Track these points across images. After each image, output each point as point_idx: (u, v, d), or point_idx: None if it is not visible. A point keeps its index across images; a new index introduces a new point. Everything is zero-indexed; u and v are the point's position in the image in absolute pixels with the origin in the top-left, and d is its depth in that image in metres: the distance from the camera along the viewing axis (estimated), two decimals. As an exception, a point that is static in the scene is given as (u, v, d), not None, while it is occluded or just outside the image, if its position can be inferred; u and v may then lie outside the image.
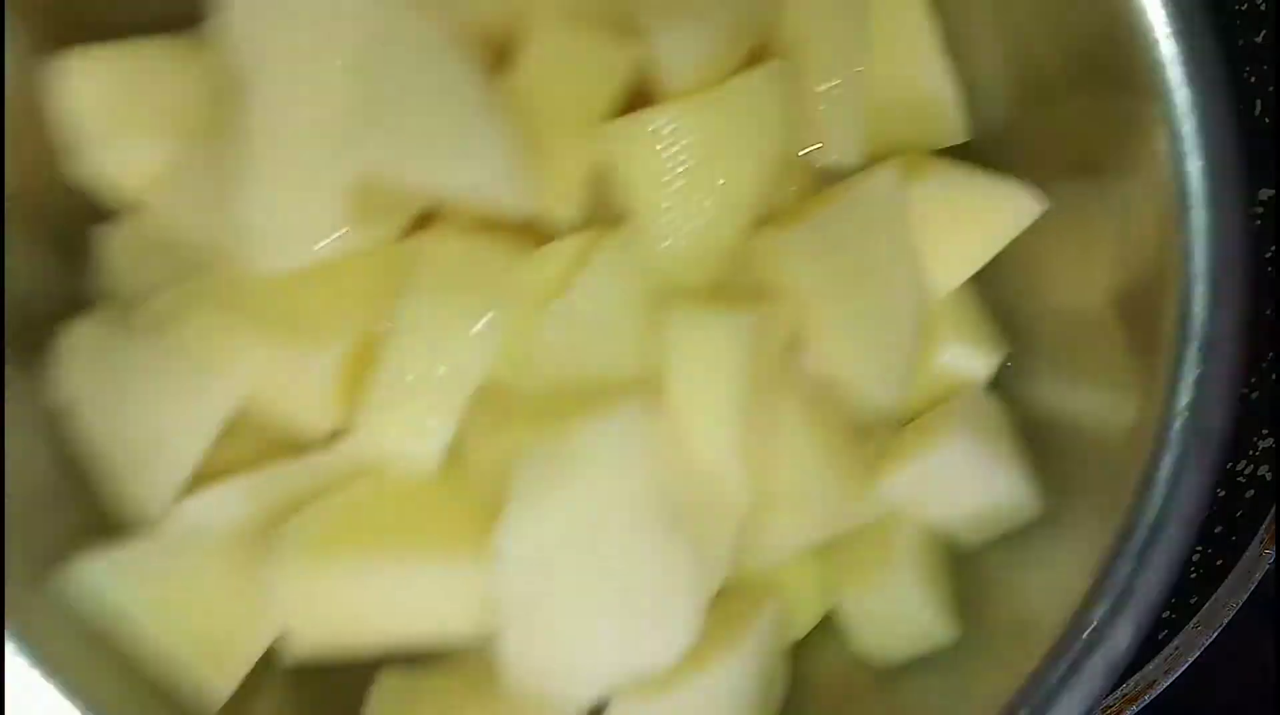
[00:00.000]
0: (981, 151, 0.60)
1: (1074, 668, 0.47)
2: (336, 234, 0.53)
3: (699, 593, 0.55)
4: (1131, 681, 0.85)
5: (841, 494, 0.58)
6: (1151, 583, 0.48)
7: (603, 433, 0.52)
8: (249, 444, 0.56)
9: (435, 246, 0.55)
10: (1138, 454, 0.48)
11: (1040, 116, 0.59)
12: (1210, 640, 0.84)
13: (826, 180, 0.59)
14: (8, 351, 0.52)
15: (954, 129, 0.62)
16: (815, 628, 0.64)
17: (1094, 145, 0.55)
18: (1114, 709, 0.84)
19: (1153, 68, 0.51)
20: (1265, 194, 0.93)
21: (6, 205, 0.42)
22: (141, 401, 0.53)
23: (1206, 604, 0.84)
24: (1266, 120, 0.93)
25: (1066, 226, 0.58)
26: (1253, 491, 0.87)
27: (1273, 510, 0.84)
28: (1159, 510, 0.48)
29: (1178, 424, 0.48)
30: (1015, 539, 0.58)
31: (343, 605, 0.54)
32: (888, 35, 0.59)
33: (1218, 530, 0.88)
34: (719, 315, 0.54)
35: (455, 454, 0.56)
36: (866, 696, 0.60)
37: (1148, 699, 0.84)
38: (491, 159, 0.52)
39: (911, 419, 0.62)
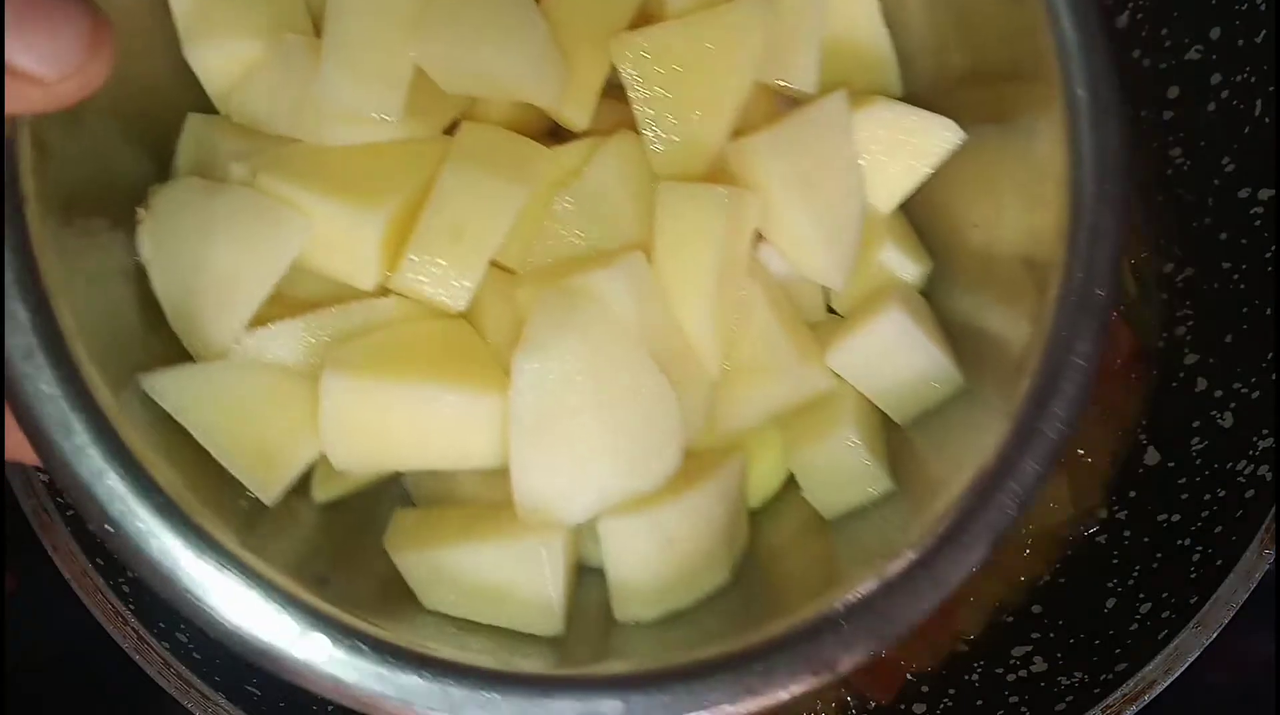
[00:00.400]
0: (911, 102, 0.71)
1: (986, 500, 0.58)
2: (393, 120, 0.64)
3: (680, 434, 0.64)
4: (1131, 681, 0.85)
5: (797, 367, 0.67)
6: (1050, 431, 0.60)
7: (608, 278, 0.61)
8: (309, 294, 0.66)
9: (472, 134, 0.67)
10: (1035, 351, 0.60)
11: (959, 76, 0.70)
12: (1210, 640, 0.84)
13: (783, 107, 0.71)
14: (103, 217, 0.62)
15: (890, 82, 0.73)
16: (773, 504, 0.73)
17: (1003, 102, 0.67)
18: (1114, 709, 0.85)
19: (1053, 49, 0.61)
20: (1265, 194, 0.93)
21: (105, 91, 0.49)
22: (216, 248, 0.62)
23: (1206, 604, 0.85)
24: (1266, 120, 0.93)
25: (979, 167, 0.69)
26: (1253, 491, 0.87)
27: (1273, 510, 0.85)
28: (1051, 392, 0.60)
29: (1061, 338, 0.60)
30: (937, 411, 0.69)
31: (377, 423, 0.62)
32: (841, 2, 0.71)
33: (1218, 530, 0.88)
34: (701, 187, 0.65)
35: (476, 313, 0.66)
36: (811, 541, 0.69)
37: (1148, 699, 0.84)
38: (531, 52, 0.63)
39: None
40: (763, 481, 0.72)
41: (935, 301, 0.73)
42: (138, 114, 0.65)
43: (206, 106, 0.68)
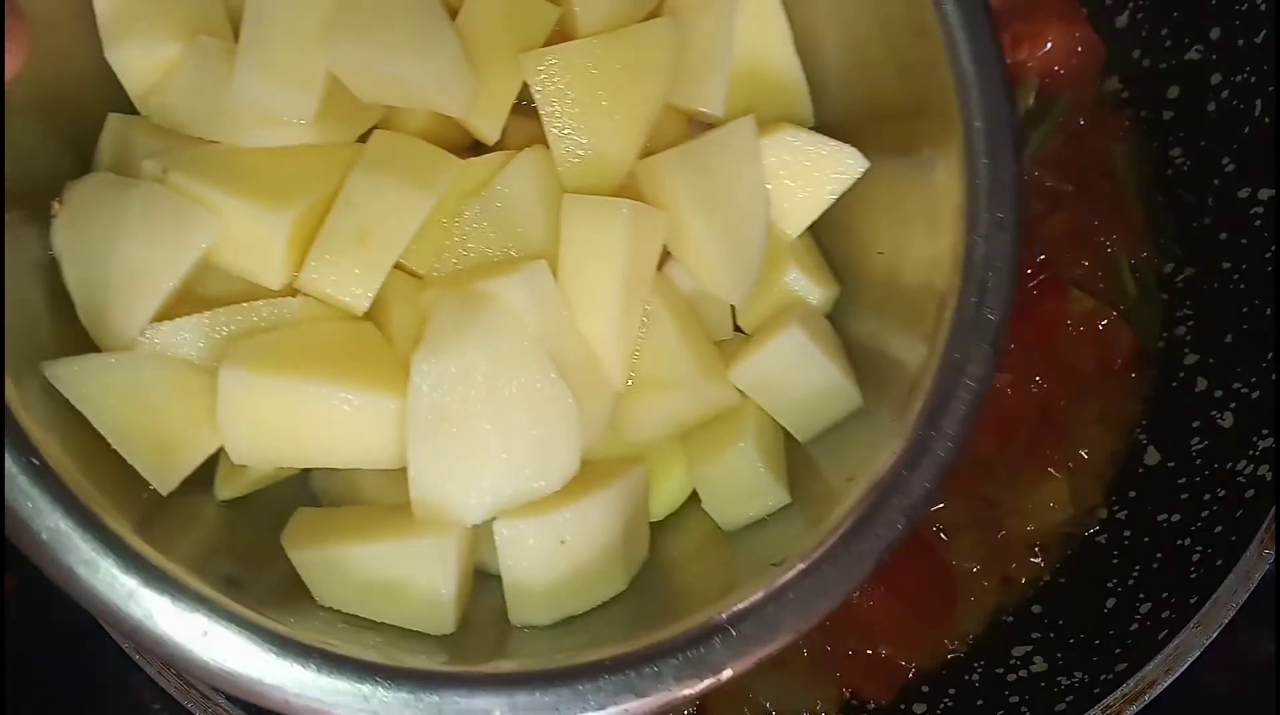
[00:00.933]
0: (824, 131, 0.73)
1: (876, 515, 0.61)
2: (307, 124, 0.66)
3: (578, 436, 0.65)
4: (1131, 681, 0.85)
5: (699, 381, 0.69)
6: (939, 450, 0.62)
7: (509, 285, 0.63)
8: (220, 292, 0.67)
9: (383, 142, 0.68)
10: (929, 373, 0.63)
11: (868, 107, 0.73)
12: (1210, 640, 0.84)
13: (697, 133, 0.73)
14: (19, 210, 0.63)
15: (803, 111, 0.75)
16: (677, 516, 0.74)
17: (908, 133, 0.69)
18: (1114, 709, 0.85)
19: (951, 82, 0.65)
20: (1265, 194, 0.93)
21: (29, 89, 0.52)
22: (125, 242, 0.63)
23: (1206, 604, 0.85)
24: (1266, 120, 0.93)
25: (885, 196, 0.71)
26: (1253, 491, 0.87)
27: (1273, 510, 0.85)
28: (942, 412, 0.62)
29: (953, 361, 0.63)
30: (836, 429, 0.71)
31: (275, 419, 0.63)
32: (752, 29, 0.73)
33: (1218, 530, 0.88)
34: (605, 200, 0.66)
35: (383, 316, 0.67)
36: (711, 552, 0.71)
37: (1148, 699, 0.84)
38: (441, 63, 0.64)
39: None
40: (667, 494, 0.74)
41: (841, 323, 0.75)
42: (61, 112, 0.67)
43: (131, 107, 0.69)
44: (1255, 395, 0.91)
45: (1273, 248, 0.91)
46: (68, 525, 0.57)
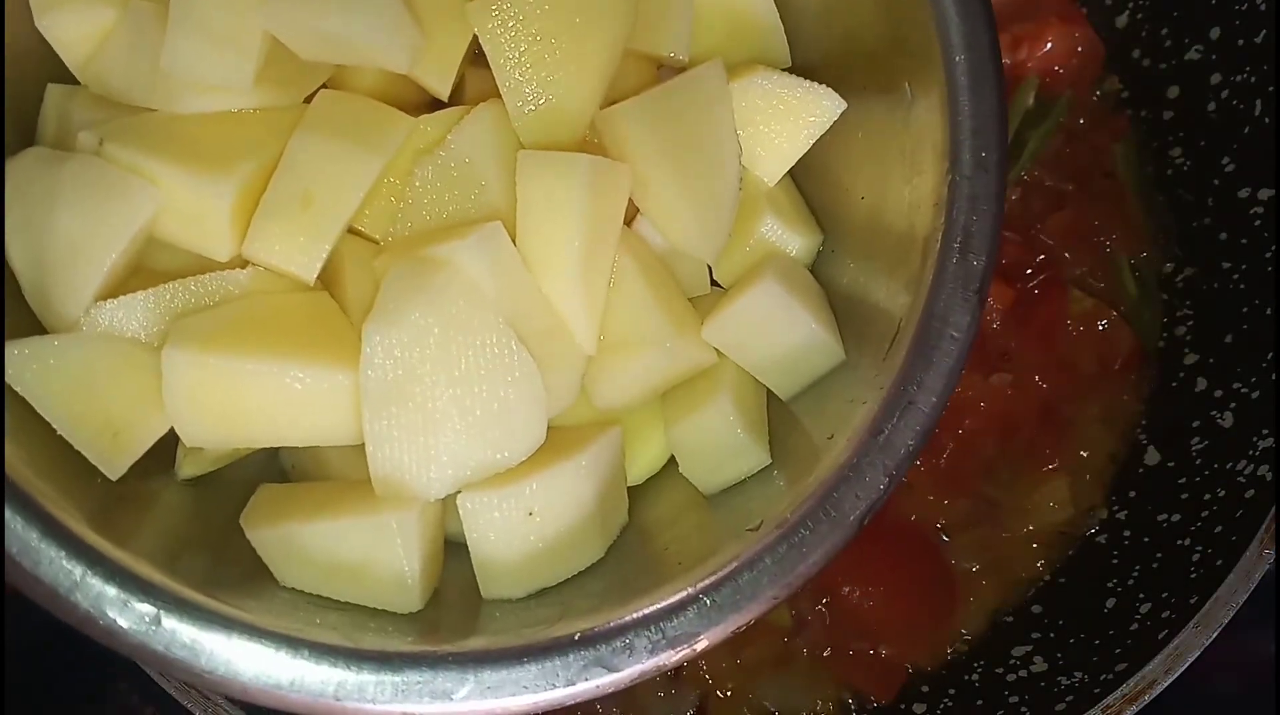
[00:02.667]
0: (802, 73, 0.70)
1: (856, 474, 0.59)
2: (248, 87, 0.63)
3: (542, 405, 0.63)
4: (1131, 681, 0.85)
5: (672, 341, 0.66)
6: (923, 404, 0.59)
7: (461, 249, 0.61)
8: (171, 266, 0.65)
9: (328, 102, 0.65)
10: (911, 323, 0.60)
11: (846, 45, 0.70)
12: (1210, 640, 0.84)
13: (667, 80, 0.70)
14: None
15: (778, 52, 0.72)
16: (657, 479, 0.72)
17: (888, 71, 0.66)
18: (1114, 709, 0.85)
19: (931, 15, 0.62)
20: (1265, 194, 0.93)
21: None
22: (62, 218, 0.61)
23: (1206, 604, 0.85)
24: (1266, 120, 0.93)
25: (866, 138, 0.69)
26: (1253, 491, 0.87)
27: (1273, 510, 0.85)
28: (925, 364, 0.60)
29: (936, 309, 0.60)
30: (820, 385, 0.69)
31: (225, 399, 0.61)
32: None
33: (1218, 530, 0.88)
34: (561, 156, 0.63)
35: (337, 284, 0.65)
36: (691, 516, 0.68)
37: (1148, 699, 0.84)
38: (382, 17, 0.61)
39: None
40: (645, 458, 0.71)
41: (824, 272, 0.72)
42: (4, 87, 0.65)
43: (72, 78, 0.67)
44: (1255, 395, 0.91)
45: (1273, 248, 0.91)
46: (11, 514, 0.55)
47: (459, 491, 0.63)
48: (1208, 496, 0.91)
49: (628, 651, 0.57)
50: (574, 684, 0.56)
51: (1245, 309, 0.94)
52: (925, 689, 0.95)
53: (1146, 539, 0.93)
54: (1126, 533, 0.96)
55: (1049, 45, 1.02)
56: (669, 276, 0.69)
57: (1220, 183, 0.97)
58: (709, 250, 0.67)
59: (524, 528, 0.63)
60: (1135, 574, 0.92)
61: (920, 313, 0.60)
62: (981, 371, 0.96)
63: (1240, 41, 0.95)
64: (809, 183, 0.74)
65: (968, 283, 0.60)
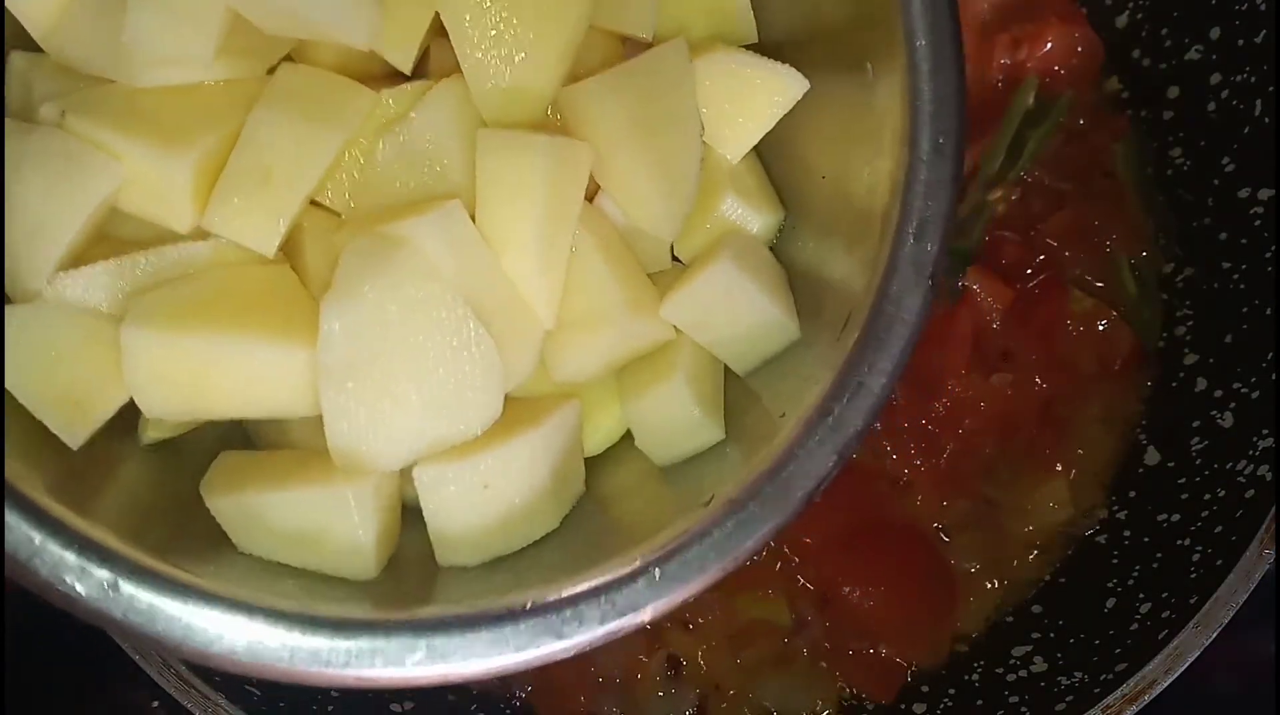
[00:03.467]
0: (768, 51, 0.70)
1: (806, 451, 0.60)
2: (209, 60, 0.63)
3: (498, 380, 0.64)
4: (1131, 681, 0.85)
5: (631, 317, 0.67)
6: (873, 385, 0.60)
7: (420, 225, 0.61)
8: (133, 236, 0.65)
9: (289, 75, 0.65)
10: (864, 305, 0.61)
11: (811, 24, 0.70)
12: (1210, 640, 0.84)
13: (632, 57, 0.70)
14: None
15: (743, 29, 0.72)
16: (614, 451, 0.73)
17: (852, 51, 0.67)
18: (1114, 709, 0.85)
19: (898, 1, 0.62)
20: (1265, 194, 0.93)
21: None
22: (25, 190, 0.62)
23: (1206, 604, 0.85)
24: (1266, 120, 0.93)
25: (829, 118, 0.69)
26: (1253, 491, 0.87)
27: (1273, 510, 0.85)
28: (876, 346, 0.61)
29: (889, 292, 0.61)
30: (776, 362, 0.69)
31: (184, 373, 0.62)
32: None
33: (1218, 530, 0.88)
34: (522, 135, 0.64)
35: (298, 257, 0.65)
36: (647, 489, 0.69)
37: (1148, 699, 0.84)
38: None
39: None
40: (602, 431, 0.72)
41: (785, 250, 0.73)
42: None
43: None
44: (1255, 395, 0.91)
45: (1273, 248, 0.91)
46: None
47: (416, 464, 0.63)
48: (1208, 496, 0.91)
49: (578, 621, 0.58)
50: (524, 651, 0.57)
51: (1245, 309, 0.94)
52: (925, 689, 0.95)
53: (1146, 539, 0.93)
54: (1126, 533, 0.96)
55: (1049, 45, 1.02)
56: (629, 253, 0.70)
57: (1220, 183, 0.97)
58: (669, 228, 0.68)
59: (479, 499, 0.63)
60: (1135, 574, 0.92)
61: (874, 295, 0.61)
62: (981, 371, 0.96)
63: (1240, 41, 0.95)
64: (771, 160, 0.75)
65: (920, 268, 0.60)
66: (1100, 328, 0.99)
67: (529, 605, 0.58)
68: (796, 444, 0.60)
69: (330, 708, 0.91)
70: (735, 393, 0.71)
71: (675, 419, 0.68)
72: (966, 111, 0.61)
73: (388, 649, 0.57)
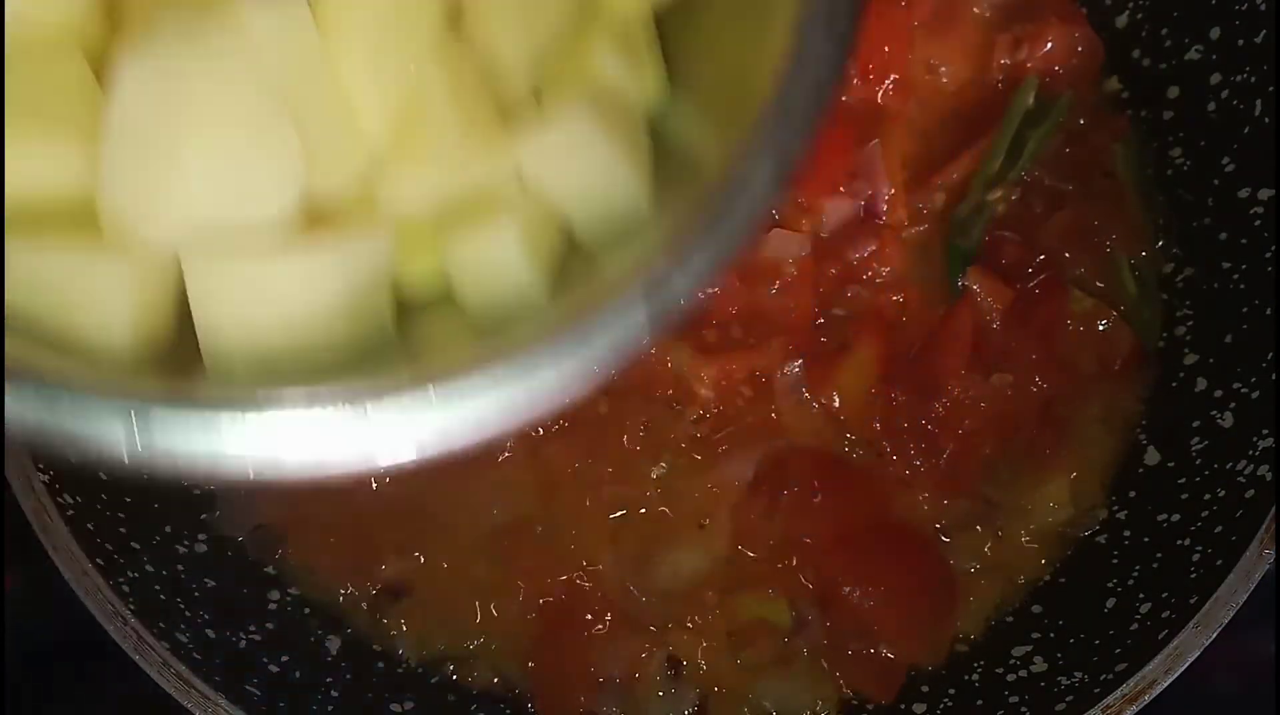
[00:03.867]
0: None
1: (629, 316, 0.57)
2: None
3: (296, 177, 0.60)
4: (1131, 681, 0.85)
5: (473, 155, 0.63)
6: (702, 265, 0.58)
7: (254, 6, 0.57)
8: None
9: None
10: (716, 187, 0.59)
11: None
12: (1210, 640, 0.84)
13: None
14: None
15: None
16: (431, 306, 0.69)
17: None
18: (1114, 709, 0.85)
19: None
20: (1265, 194, 0.93)
21: None
22: None
23: (1206, 604, 0.85)
24: (1266, 120, 0.93)
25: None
26: (1253, 491, 0.87)
27: (1273, 510, 0.85)
28: (714, 226, 0.58)
29: (742, 175, 0.58)
30: (617, 229, 0.66)
31: None
32: None
33: (1218, 530, 0.88)
34: None
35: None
36: (459, 337, 0.66)
37: (1148, 699, 0.84)
38: None
39: None
40: (418, 274, 0.68)
41: (657, 119, 0.70)
42: None
43: None
44: (1255, 395, 0.91)
45: (1273, 248, 0.91)
46: None
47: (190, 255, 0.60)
48: (1208, 496, 0.91)
49: (334, 426, 0.56)
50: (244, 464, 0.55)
51: (1245, 309, 0.93)
52: (925, 689, 0.95)
53: (1146, 539, 0.93)
54: (1126, 533, 0.96)
55: (1049, 45, 1.02)
56: (482, 90, 0.65)
57: (1220, 183, 0.97)
58: (524, 64, 0.64)
59: (257, 312, 0.60)
60: (1135, 574, 0.92)
61: (729, 176, 0.59)
62: (981, 371, 0.96)
63: (1240, 41, 0.95)
64: (662, 27, 0.71)
65: (782, 158, 0.58)
66: (1100, 328, 0.99)
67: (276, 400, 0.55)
68: (612, 310, 0.58)
69: (330, 708, 0.91)
70: (570, 256, 0.68)
71: (499, 273, 0.64)
72: (861, 7, 0.60)
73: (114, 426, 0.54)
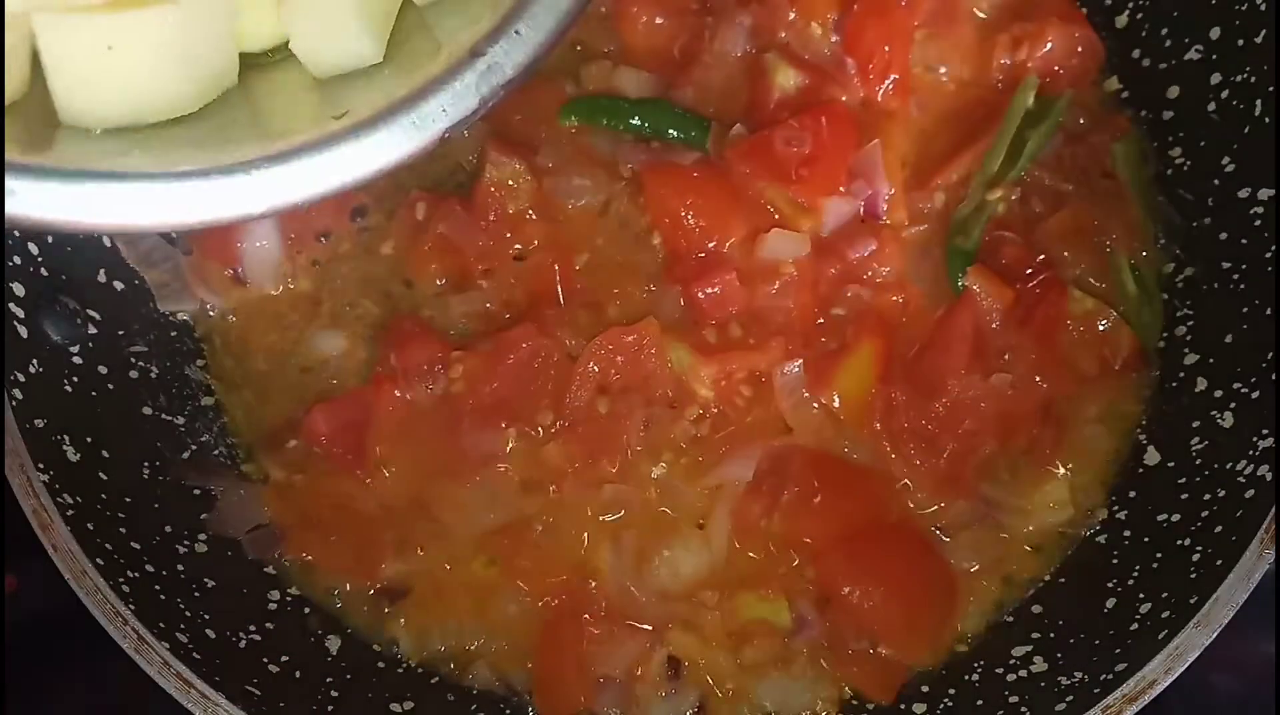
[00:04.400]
0: None
1: (462, 83, 0.61)
2: None
3: None
4: (1131, 681, 0.85)
5: None
6: (533, 42, 0.62)
7: None
8: None
9: None
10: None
11: None
12: (1210, 640, 0.84)
13: None
14: None
15: None
16: (275, 61, 0.71)
17: None
18: (1114, 709, 0.85)
19: None
20: (1265, 194, 0.93)
21: None
22: None
23: (1206, 604, 0.85)
24: (1266, 120, 0.93)
25: None
26: (1253, 491, 0.87)
27: (1273, 510, 0.85)
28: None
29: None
30: None
31: None
32: None
33: (1218, 530, 0.88)
34: None
35: None
36: (297, 93, 0.69)
37: (1147, 699, 0.84)
38: None
39: None
40: (262, 26, 0.70)
41: None
42: None
43: None
44: (1255, 395, 0.91)
45: (1273, 248, 0.91)
46: None
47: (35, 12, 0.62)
48: (1208, 496, 0.91)
49: (174, 198, 0.59)
50: (131, 221, 0.59)
51: (1245, 309, 0.93)
52: (925, 689, 0.95)
53: (1146, 539, 0.93)
54: (1126, 533, 0.96)
55: (1049, 45, 1.02)
56: None
57: (1220, 183, 0.97)
58: None
59: (103, 62, 0.62)
60: (1135, 574, 0.92)
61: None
62: (981, 371, 0.96)
63: (1240, 41, 0.95)
64: None
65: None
66: (1100, 328, 0.99)
67: (127, 173, 0.59)
68: (443, 79, 0.61)
69: (330, 708, 0.91)
70: (409, 21, 0.70)
71: (331, 25, 0.67)
72: None
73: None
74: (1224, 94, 0.97)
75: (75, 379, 0.93)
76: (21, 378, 0.88)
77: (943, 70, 1.05)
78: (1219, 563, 0.86)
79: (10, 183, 0.58)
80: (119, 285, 0.99)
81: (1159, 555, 0.91)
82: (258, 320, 1.04)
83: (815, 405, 0.98)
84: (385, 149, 0.61)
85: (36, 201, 0.58)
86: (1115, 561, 0.94)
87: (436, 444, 0.98)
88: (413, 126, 0.60)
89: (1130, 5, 1.04)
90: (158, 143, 0.64)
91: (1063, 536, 0.98)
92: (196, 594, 0.91)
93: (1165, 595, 0.88)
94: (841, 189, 0.99)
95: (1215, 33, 0.97)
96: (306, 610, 0.98)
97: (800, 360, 0.97)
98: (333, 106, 0.63)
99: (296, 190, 0.60)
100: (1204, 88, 0.98)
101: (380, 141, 0.60)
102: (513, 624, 0.97)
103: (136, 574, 0.88)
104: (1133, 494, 0.97)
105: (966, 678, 0.94)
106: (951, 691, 0.94)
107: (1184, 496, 0.92)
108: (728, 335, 0.99)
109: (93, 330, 0.95)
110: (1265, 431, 0.88)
